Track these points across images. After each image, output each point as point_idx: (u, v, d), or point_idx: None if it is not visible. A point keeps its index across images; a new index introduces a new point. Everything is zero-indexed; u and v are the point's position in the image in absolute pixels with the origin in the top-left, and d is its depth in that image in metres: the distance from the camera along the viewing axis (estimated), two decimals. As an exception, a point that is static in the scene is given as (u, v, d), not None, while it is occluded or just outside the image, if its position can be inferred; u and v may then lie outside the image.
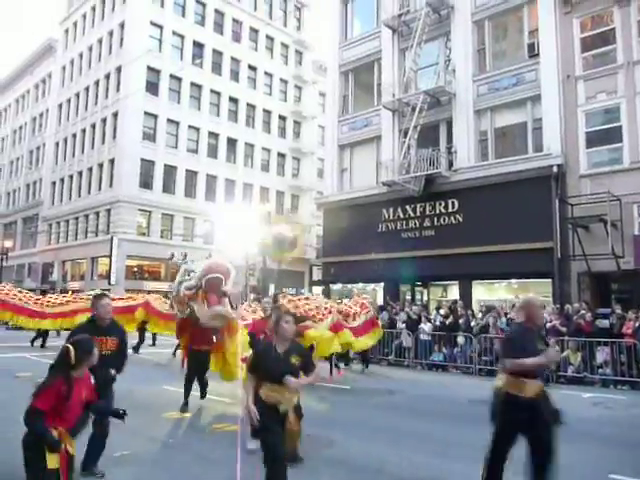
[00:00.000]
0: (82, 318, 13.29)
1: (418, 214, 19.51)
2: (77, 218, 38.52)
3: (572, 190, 16.22)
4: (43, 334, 17.23)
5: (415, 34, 19.72)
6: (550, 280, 16.23)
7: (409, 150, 19.88)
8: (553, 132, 16.83)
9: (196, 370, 8.35)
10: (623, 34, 16.01)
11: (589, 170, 16.18)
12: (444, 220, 18.77)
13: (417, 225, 19.54)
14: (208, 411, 8.27)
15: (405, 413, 8.64)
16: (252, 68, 40.02)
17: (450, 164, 19.26)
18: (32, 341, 17.53)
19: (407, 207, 19.78)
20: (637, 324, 12.15)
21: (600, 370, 12.48)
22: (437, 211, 19.00)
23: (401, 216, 19.99)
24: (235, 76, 39.05)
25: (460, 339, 14.73)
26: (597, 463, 5.84)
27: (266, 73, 40.84)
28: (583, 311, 13.24)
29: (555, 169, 16.35)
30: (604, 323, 12.82)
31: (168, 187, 35.71)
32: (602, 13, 16.71)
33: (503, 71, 18.48)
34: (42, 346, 16.93)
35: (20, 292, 15.65)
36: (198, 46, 37.26)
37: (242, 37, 39.50)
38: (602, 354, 12.42)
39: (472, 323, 14.89)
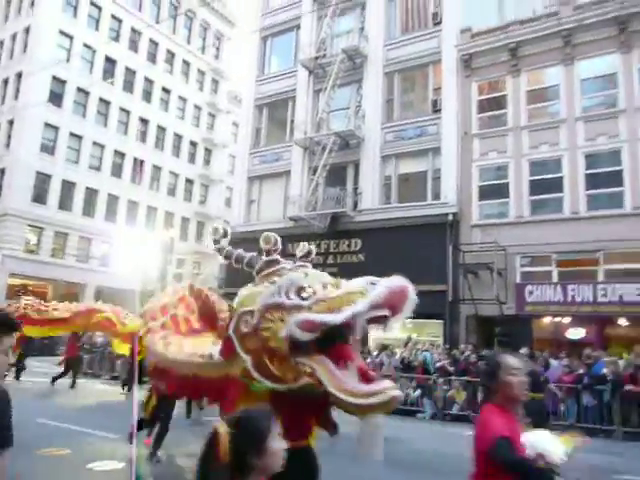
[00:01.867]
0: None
1: (322, 251, 19.93)
2: (-44, 229, 35.20)
3: (464, 238, 17.41)
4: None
5: (330, 77, 20.55)
6: (442, 321, 17.16)
7: (317, 188, 20.41)
8: (450, 183, 18.08)
9: None
10: (514, 101, 17.73)
11: (480, 221, 17.51)
12: (347, 258, 19.34)
13: (320, 261, 19.91)
14: (89, 448, 7.79)
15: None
16: (166, 90, 39.39)
17: (355, 204, 19.99)
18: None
19: (312, 243, 20.09)
20: (515, 366, 13.09)
21: (482, 409, 13.25)
22: (341, 249, 19.56)
23: (306, 251, 20.27)
24: (147, 96, 38.21)
25: (355, 376, 15.06)
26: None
27: (180, 97, 40.35)
28: (468, 352, 14.10)
29: (450, 217, 17.51)
30: (487, 364, 13.69)
31: (65, 203, 33.73)
32: (497, 80, 18.44)
33: (409, 122, 19.68)
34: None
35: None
36: (110, 62, 36.13)
37: (158, 59, 38.92)
38: (483, 394, 13.21)
39: (367, 360, 15.31)
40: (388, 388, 2.75)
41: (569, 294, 15.05)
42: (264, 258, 3.41)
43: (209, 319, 5.19)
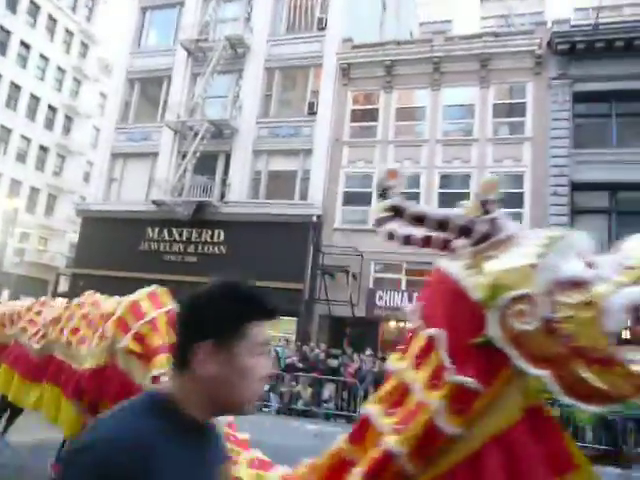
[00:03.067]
0: None
1: (184, 239, 19.40)
2: None
3: (326, 240, 18.00)
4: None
5: (210, 63, 20.06)
6: (296, 319, 17.56)
7: (185, 174, 19.82)
8: (318, 185, 18.58)
9: None
10: (384, 116, 18.72)
11: (342, 225, 18.22)
12: (208, 249, 19.01)
13: (181, 249, 19.38)
14: None
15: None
16: (25, 46, 35.59)
17: (222, 195, 19.73)
18: None
19: (173, 230, 19.54)
20: (358, 366, 13.88)
21: (325, 404, 13.84)
22: (203, 239, 19.17)
23: (166, 238, 19.63)
24: (2, 49, 34.25)
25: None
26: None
27: (42, 56, 36.73)
28: (317, 350, 14.62)
29: (314, 219, 18.00)
30: (333, 363, 14.35)
31: None
32: (371, 93, 19.33)
33: (284, 120, 19.88)
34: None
35: None
36: (-41, 2, 31.87)
37: (18, 9, 35.03)
38: (328, 390, 13.83)
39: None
40: None
41: (414, 301, 16.22)
42: (485, 217, 2.08)
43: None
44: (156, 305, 3.01)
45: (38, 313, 5.97)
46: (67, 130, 39.03)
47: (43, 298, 6.53)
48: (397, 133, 18.66)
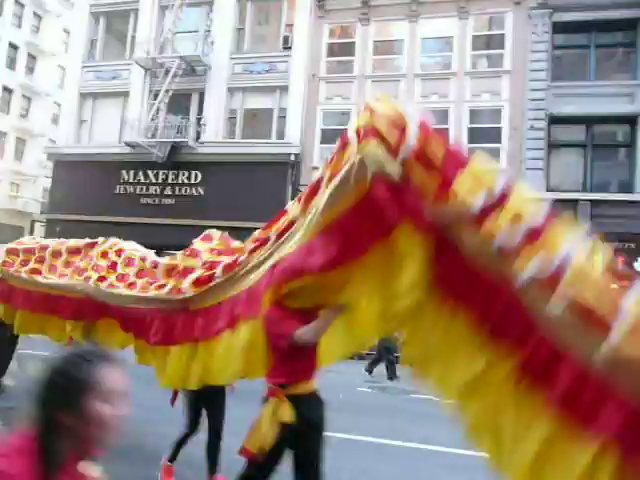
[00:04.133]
0: None
1: (160, 181, 19.10)
2: None
3: (304, 179, 17.87)
4: None
5: (178, -6, 19.09)
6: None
7: (158, 113, 19.23)
8: (294, 123, 18.25)
9: None
10: (361, 50, 18.21)
11: (320, 163, 18.04)
12: (186, 190, 18.77)
13: (157, 192, 19.12)
14: None
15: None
16: (-22, -23, 33.29)
17: (198, 136, 19.30)
18: None
19: (149, 172, 19.19)
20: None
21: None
22: (179, 181, 18.90)
23: (142, 180, 19.30)
24: (-47, -19, 31.99)
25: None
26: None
27: (-3, -12, 34.43)
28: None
29: (292, 157, 17.81)
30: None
31: None
32: (348, 26, 18.70)
33: (258, 55, 19.23)
34: None
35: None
36: None
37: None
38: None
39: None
40: None
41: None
42: None
43: None
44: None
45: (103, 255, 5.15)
46: (31, 70, 37.20)
47: (87, 240, 5.55)
48: (374, 68, 18.23)
